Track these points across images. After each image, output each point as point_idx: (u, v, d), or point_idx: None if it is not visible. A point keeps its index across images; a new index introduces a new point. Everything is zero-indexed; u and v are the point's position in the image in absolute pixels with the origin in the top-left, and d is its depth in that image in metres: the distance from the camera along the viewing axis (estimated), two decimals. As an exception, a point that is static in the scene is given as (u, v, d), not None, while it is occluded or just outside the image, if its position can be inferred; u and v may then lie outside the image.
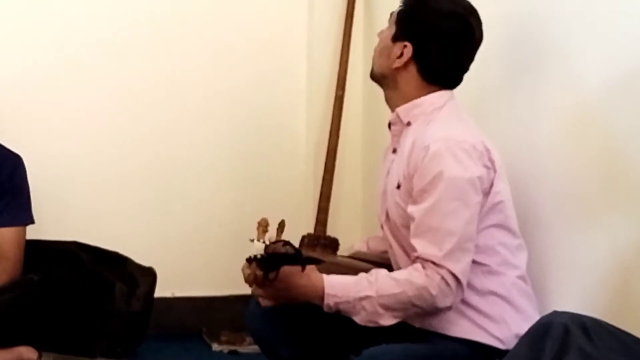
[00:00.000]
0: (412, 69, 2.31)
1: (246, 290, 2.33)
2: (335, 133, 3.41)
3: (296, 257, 2.16)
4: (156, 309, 3.18)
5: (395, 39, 2.32)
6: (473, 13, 2.31)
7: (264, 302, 2.25)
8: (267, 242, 2.15)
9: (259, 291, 2.23)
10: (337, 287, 2.16)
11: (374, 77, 2.40)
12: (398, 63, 2.31)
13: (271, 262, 2.14)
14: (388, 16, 2.39)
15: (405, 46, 2.30)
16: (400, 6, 2.36)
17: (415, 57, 2.30)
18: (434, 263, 2.12)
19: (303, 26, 3.57)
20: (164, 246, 3.44)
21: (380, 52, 2.36)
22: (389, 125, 2.38)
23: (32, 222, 2.98)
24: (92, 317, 2.91)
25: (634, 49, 2.08)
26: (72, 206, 3.40)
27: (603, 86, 2.18)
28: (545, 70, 2.41)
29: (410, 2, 2.34)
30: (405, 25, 2.32)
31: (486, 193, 2.19)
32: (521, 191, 2.35)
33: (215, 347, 3.33)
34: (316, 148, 3.53)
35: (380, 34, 2.40)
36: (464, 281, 2.14)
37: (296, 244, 2.81)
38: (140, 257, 3.19)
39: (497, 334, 2.17)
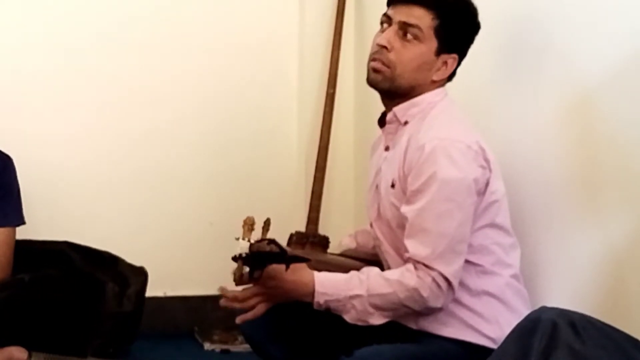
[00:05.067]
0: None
1: (239, 290, 2.32)
2: (327, 131, 3.40)
3: (280, 255, 2.14)
4: (148, 309, 3.17)
5: (440, 52, 2.24)
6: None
7: (256, 312, 2.22)
8: (252, 241, 2.13)
9: (237, 304, 2.22)
10: (327, 285, 2.15)
11: (397, 88, 2.26)
12: (441, 75, 2.27)
13: (256, 261, 2.13)
14: (379, 13, 2.32)
15: (453, 58, 2.26)
16: (433, 18, 2.22)
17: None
18: (425, 265, 2.11)
19: (294, 24, 3.56)
20: (155, 245, 3.44)
21: (420, 67, 2.24)
22: (380, 122, 2.36)
23: (23, 222, 2.96)
24: (83, 317, 2.90)
25: (629, 45, 2.07)
26: (63, 206, 3.39)
27: (597, 82, 2.17)
28: (539, 67, 2.40)
29: (449, 13, 2.23)
30: (450, 37, 2.24)
31: (481, 193, 2.17)
32: (513, 188, 2.34)
33: (208, 346, 3.33)
34: (308, 146, 3.53)
35: (382, 38, 2.25)
36: (455, 283, 2.13)
37: (285, 242, 2.81)
38: (132, 257, 3.18)
39: (490, 334, 2.16)
